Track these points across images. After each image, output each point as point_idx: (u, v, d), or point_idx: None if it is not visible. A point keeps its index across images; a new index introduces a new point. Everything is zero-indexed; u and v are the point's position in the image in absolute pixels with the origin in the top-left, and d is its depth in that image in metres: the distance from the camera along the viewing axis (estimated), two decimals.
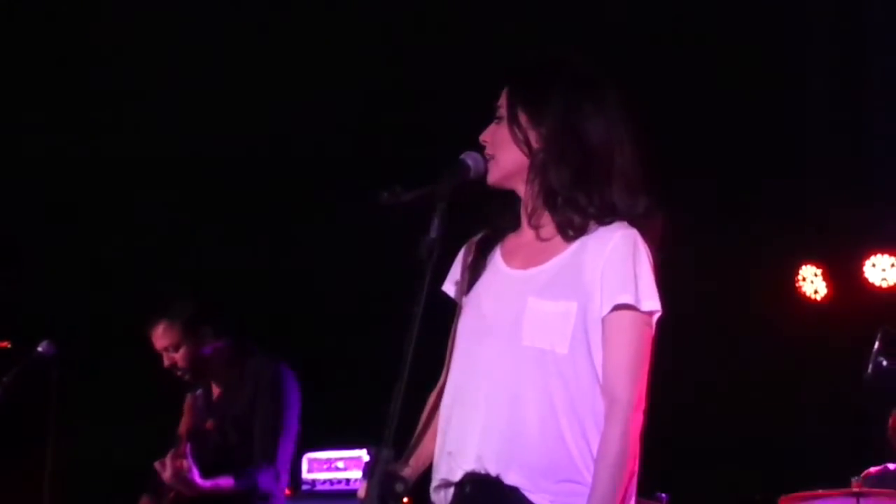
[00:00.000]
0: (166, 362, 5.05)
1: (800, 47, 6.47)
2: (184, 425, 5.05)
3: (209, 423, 4.96)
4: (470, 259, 3.09)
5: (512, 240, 3.06)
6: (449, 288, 3.11)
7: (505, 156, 2.98)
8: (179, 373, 5.04)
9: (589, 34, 6.04)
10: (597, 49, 5.79)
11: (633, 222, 2.92)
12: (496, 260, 3.05)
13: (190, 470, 4.70)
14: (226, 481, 4.81)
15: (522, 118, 2.97)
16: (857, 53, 6.45)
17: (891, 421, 5.84)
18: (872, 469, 5.71)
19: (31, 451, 5.71)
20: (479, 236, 3.12)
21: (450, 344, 3.09)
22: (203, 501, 4.83)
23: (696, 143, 6.47)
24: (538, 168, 2.95)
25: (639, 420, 2.84)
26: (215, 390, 5.11)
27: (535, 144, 2.96)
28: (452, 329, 3.09)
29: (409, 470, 2.99)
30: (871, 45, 6.38)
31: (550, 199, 2.94)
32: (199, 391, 5.11)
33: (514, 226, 3.07)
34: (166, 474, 4.70)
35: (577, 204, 2.92)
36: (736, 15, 6.22)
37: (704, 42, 6.25)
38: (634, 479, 2.89)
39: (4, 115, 6.70)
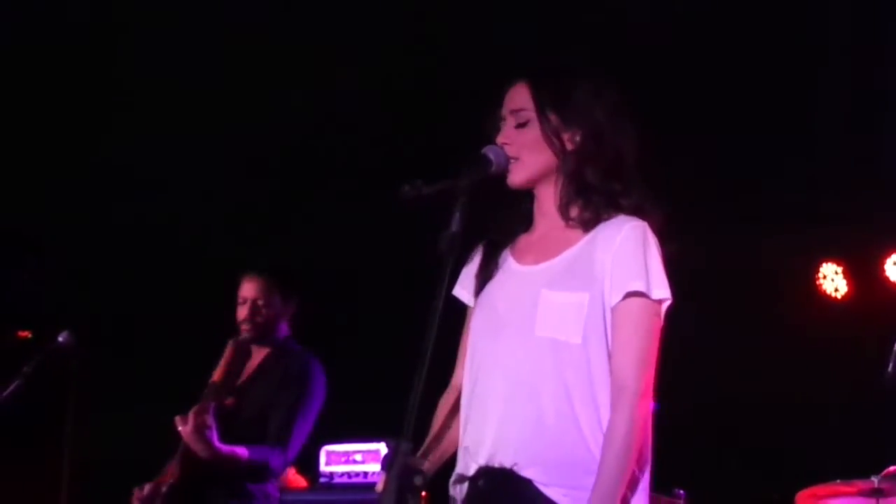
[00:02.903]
0: (245, 312, 5.09)
1: (816, 42, 6.44)
2: (219, 373, 5.04)
3: (229, 400, 4.97)
4: (480, 262, 3.12)
5: (523, 240, 3.11)
6: (460, 292, 3.13)
7: (534, 158, 3.02)
8: (248, 326, 5.09)
9: (590, 31, 6.03)
10: (607, 51, 5.82)
11: (645, 215, 2.98)
12: (507, 261, 3.08)
13: (211, 428, 4.70)
14: (241, 450, 4.82)
15: (553, 120, 3.01)
16: (874, 47, 6.42)
17: None
18: (892, 468, 5.69)
19: (51, 441, 5.74)
20: (487, 240, 3.15)
21: (462, 344, 3.13)
22: (205, 474, 4.83)
23: (714, 141, 6.45)
24: (573, 167, 3.00)
25: (646, 408, 2.87)
26: (257, 355, 5.15)
27: (568, 146, 3.01)
28: (465, 330, 3.12)
29: (427, 464, 3.00)
30: (890, 37, 6.34)
31: (584, 194, 3.00)
32: (242, 337, 5.13)
33: (524, 227, 3.11)
34: (187, 428, 4.69)
35: (612, 197, 2.98)
36: (751, 10, 6.19)
37: (721, 38, 6.23)
38: (648, 469, 2.92)
39: (25, 107, 6.72)
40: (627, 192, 2.99)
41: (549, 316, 2.91)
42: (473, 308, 3.09)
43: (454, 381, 3.13)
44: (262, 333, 5.13)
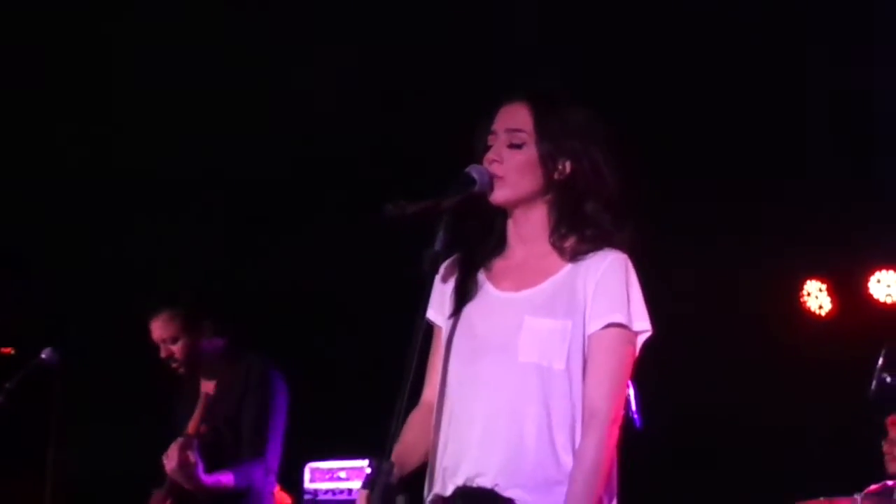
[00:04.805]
0: (163, 353, 5.09)
1: (802, 60, 6.46)
2: (192, 426, 5.04)
3: (202, 427, 4.96)
4: (452, 281, 3.11)
5: (498, 263, 3.10)
6: (430, 313, 3.10)
7: (522, 181, 3.03)
8: (175, 364, 5.09)
9: (588, 51, 6.04)
10: (596, 68, 5.83)
11: (629, 249, 3.03)
12: (483, 284, 3.08)
13: (196, 464, 4.71)
14: (226, 478, 4.83)
15: (549, 147, 3.02)
16: (861, 65, 6.44)
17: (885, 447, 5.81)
18: (873, 486, 5.69)
19: (33, 459, 5.72)
20: (452, 258, 3.13)
21: (430, 364, 3.12)
22: (198, 499, 4.84)
23: (697, 158, 6.46)
24: (571, 200, 3.03)
25: (615, 434, 2.92)
26: (205, 386, 5.13)
27: (559, 176, 3.03)
28: (433, 349, 3.12)
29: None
30: (877, 55, 6.36)
31: (579, 228, 3.02)
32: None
33: (498, 250, 3.09)
34: (171, 465, 4.71)
35: (606, 232, 3.02)
36: (736, 29, 6.20)
37: (705, 57, 6.24)
38: (615, 500, 2.96)
39: (13, 125, 6.70)
40: (619, 227, 3.03)
41: (532, 342, 2.93)
42: (445, 329, 3.08)
43: (424, 398, 3.12)
44: (194, 365, 5.10)
